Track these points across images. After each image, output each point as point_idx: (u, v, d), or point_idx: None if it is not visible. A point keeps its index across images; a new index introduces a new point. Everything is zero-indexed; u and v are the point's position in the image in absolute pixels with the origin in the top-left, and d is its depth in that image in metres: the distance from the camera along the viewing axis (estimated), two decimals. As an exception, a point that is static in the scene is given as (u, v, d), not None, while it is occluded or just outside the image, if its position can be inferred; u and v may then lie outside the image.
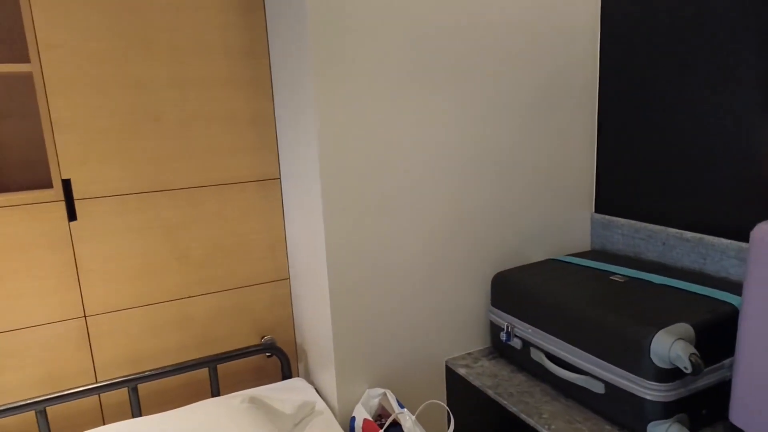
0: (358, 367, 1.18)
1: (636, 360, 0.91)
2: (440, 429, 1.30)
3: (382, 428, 1.08)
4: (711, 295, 1.00)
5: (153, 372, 1.20)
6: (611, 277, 1.14)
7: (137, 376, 1.18)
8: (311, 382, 1.34)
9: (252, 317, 1.38)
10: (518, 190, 1.29)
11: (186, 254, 1.28)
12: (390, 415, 1.15)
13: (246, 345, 1.38)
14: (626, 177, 1.32)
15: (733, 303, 0.97)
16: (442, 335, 1.26)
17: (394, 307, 1.19)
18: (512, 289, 1.18)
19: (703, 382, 0.92)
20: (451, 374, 1.26)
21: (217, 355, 1.27)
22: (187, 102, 1.23)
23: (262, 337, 1.40)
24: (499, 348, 1.25)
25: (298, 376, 1.38)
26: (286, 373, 1.34)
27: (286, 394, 1.24)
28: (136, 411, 1.19)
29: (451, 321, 1.27)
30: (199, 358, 1.26)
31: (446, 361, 1.28)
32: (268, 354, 1.39)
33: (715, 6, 1.08)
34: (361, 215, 1.12)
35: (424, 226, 1.19)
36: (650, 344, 0.89)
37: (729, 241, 1.10)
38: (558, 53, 1.28)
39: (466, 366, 1.24)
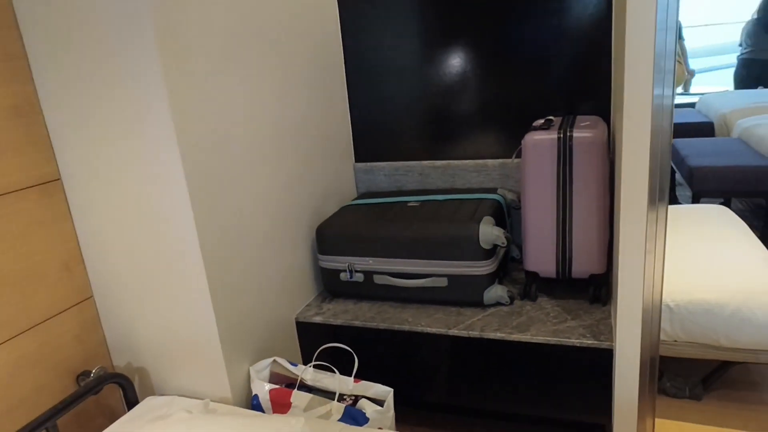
0: (239, 347, 1.15)
1: (469, 248, 1.25)
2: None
3: (295, 388, 1.12)
4: (481, 197, 1.42)
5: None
6: (408, 204, 1.45)
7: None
8: (165, 393, 1.19)
9: (60, 356, 1.10)
10: (312, 154, 1.43)
11: (-37, 300, 0.93)
12: (287, 378, 1.18)
13: (61, 393, 1.10)
14: (377, 130, 1.64)
15: (497, 198, 1.41)
16: (286, 294, 1.33)
17: (251, 277, 1.19)
18: (342, 234, 1.35)
19: (501, 254, 1.34)
20: (304, 327, 1.35)
21: (52, 409, 0.99)
22: None
23: (79, 376, 1.14)
24: (333, 290, 1.41)
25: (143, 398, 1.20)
26: (131, 399, 1.15)
27: (167, 412, 1.08)
28: None
29: (290, 278, 1.34)
30: (33, 421, 0.96)
31: (295, 317, 1.36)
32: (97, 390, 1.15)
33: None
34: (215, 191, 1.08)
35: (260, 194, 1.22)
36: (478, 234, 1.24)
37: (468, 161, 1.56)
38: (317, 42, 1.46)
39: (318, 314, 1.35)
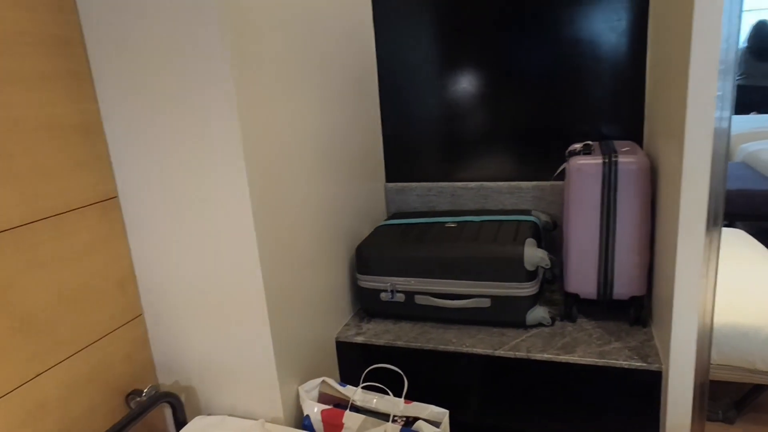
0: (290, 367, 1.15)
1: (513, 270, 1.26)
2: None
3: (347, 408, 1.11)
4: (518, 219, 1.45)
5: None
6: (445, 225, 1.46)
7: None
8: (212, 413, 1.18)
9: (111, 376, 1.09)
10: (348, 173, 1.45)
11: (27, 318, 0.92)
12: (336, 399, 1.18)
13: (112, 413, 1.09)
14: (408, 150, 1.66)
15: (534, 220, 1.44)
16: (326, 314, 1.33)
17: (298, 297, 1.19)
18: (383, 254, 1.36)
19: (542, 276, 1.36)
20: (345, 347, 1.35)
21: (109, 430, 0.98)
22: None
23: (128, 395, 1.13)
24: (372, 310, 1.42)
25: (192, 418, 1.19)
26: (181, 419, 1.14)
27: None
28: None
29: (329, 298, 1.35)
30: (87, 444, 0.95)
31: (336, 338, 1.36)
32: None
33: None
34: (273, 211, 1.09)
35: (305, 213, 1.23)
36: (523, 255, 1.26)
37: (501, 182, 1.58)
38: (356, 59, 1.48)
39: (358, 334, 1.35)
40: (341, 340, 1.35)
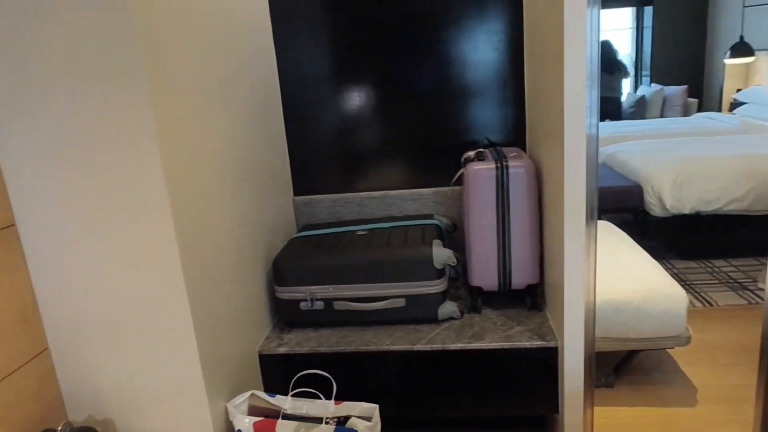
0: (217, 384, 1.15)
1: (424, 270, 1.37)
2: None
3: (278, 417, 1.14)
4: (422, 223, 1.56)
5: None
6: (357, 233, 1.54)
7: None
8: (134, 445, 1.14)
9: (21, 416, 1.02)
10: (260, 188, 1.47)
11: (-74, 360, 0.84)
12: (267, 410, 1.19)
13: (22, 454, 1.02)
14: (314, 164, 1.72)
15: (437, 223, 1.55)
16: (248, 328, 1.34)
17: (221, 313, 1.20)
18: (301, 265, 1.40)
19: (449, 273, 1.48)
20: (269, 359, 1.37)
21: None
22: None
23: (41, 433, 1.06)
24: (291, 320, 1.45)
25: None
26: (101, 452, 1.09)
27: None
28: None
29: (250, 312, 1.36)
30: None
31: (258, 350, 1.37)
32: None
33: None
34: (196, 228, 1.09)
35: (224, 230, 1.24)
36: (431, 255, 1.36)
37: (403, 190, 1.69)
38: (260, 78, 1.52)
39: (280, 345, 1.37)
40: (264, 352, 1.36)
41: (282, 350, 1.36)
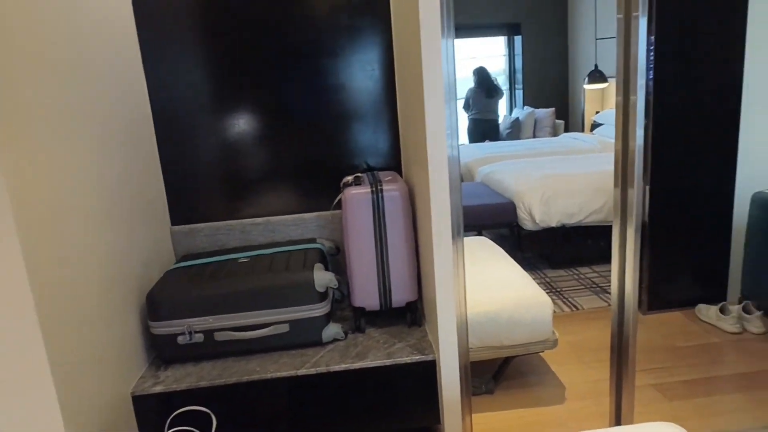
0: (86, 431, 1.07)
1: (306, 294, 1.38)
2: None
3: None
4: (305, 247, 1.57)
5: None
6: (239, 261, 1.51)
7: None
8: None
9: None
10: (131, 220, 1.41)
11: None
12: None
13: None
14: (193, 192, 1.67)
15: (320, 247, 1.58)
16: (120, 369, 1.27)
17: (87, 355, 1.13)
18: (177, 297, 1.36)
19: (332, 296, 1.50)
20: (143, 400, 1.29)
21: None
22: None
23: None
24: (168, 356, 1.39)
25: None
26: None
27: None
28: None
29: (121, 352, 1.29)
30: None
31: (131, 392, 1.29)
32: None
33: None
34: (53, 265, 1.02)
35: (91, 262, 1.17)
36: (313, 279, 1.38)
37: (287, 216, 1.69)
38: (127, 104, 1.46)
39: (156, 384, 1.31)
40: (138, 393, 1.29)
41: (158, 389, 1.30)
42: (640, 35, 1.42)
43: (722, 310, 2.48)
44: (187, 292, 1.36)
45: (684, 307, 2.61)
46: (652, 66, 2.75)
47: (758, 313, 2.39)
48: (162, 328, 1.36)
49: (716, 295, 2.65)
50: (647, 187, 2.62)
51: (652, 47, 2.73)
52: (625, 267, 1.63)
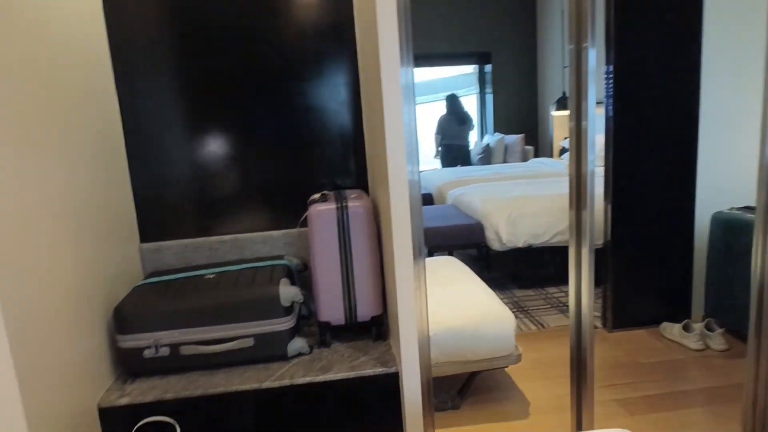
0: (44, 446, 1.07)
1: (271, 308, 1.41)
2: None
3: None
4: (272, 264, 1.61)
5: None
6: (205, 277, 1.54)
7: None
8: None
9: None
10: (99, 236, 1.43)
11: None
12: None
13: None
14: (162, 209, 1.70)
15: (287, 263, 1.61)
16: (86, 381, 1.27)
17: (52, 364, 1.14)
18: (144, 311, 1.38)
19: (297, 311, 1.53)
20: (109, 413, 1.30)
21: None
22: None
23: None
24: (134, 370, 1.40)
25: None
26: None
27: None
28: None
29: (88, 365, 1.30)
30: None
31: (98, 404, 1.30)
32: None
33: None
34: (19, 279, 1.04)
35: (59, 278, 1.19)
36: (278, 293, 1.42)
37: (254, 233, 1.73)
38: (98, 119, 1.50)
39: (123, 396, 1.32)
40: (104, 406, 1.30)
41: (124, 401, 1.31)
42: (589, 65, 1.52)
43: (686, 328, 2.57)
44: (153, 307, 1.38)
45: (649, 326, 2.70)
46: (611, 93, 2.89)
47: (720, 330, 2.50)
48: (129, 341, 1.38)
49: (680, 313, 2.75)
50: (609, 206, 2.74)
51: (611, 75, 2.88)
52: (581, 285, 1.71)
